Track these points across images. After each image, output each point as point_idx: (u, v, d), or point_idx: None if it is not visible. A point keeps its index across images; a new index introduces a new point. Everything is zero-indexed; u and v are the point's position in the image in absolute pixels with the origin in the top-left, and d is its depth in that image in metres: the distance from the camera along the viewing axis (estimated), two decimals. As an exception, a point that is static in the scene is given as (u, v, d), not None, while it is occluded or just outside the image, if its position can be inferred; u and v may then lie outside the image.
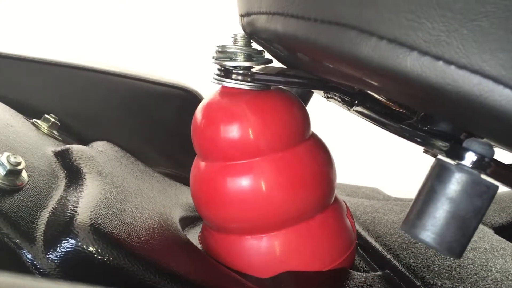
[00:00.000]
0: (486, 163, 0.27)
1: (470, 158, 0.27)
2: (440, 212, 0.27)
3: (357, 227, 0.56)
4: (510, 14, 0.20)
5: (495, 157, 0.27)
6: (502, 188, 0.38)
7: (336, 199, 0.45)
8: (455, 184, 0.26)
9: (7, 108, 0.51)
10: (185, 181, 0.60)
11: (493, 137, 0.26)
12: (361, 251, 0.52)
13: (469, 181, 0.26)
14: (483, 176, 0.27)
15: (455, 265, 0.48)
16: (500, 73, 0.21)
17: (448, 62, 0.22)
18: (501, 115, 0.21)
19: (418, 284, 0.44)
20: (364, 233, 0.54)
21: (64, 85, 0.61)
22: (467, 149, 0.27)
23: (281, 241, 0.41)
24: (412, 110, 0.38)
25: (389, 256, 0.48)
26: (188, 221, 0.52)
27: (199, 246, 0.46)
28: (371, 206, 0.63)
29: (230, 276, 0.40)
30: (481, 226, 0.62)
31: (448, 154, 0.28)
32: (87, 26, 1.18)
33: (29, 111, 0.56)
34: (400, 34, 0.23)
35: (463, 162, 0.27)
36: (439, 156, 0.29)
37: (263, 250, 0.41)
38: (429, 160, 0.30)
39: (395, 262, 0.47)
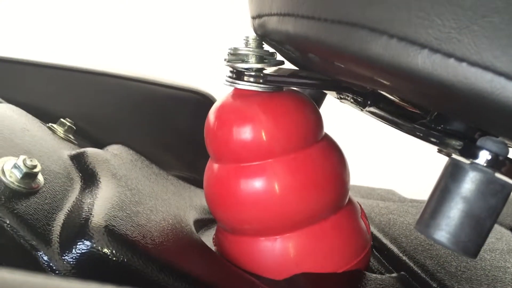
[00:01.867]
0: (500, 162, 0.26)
1: (484, 156, 0.26)
2: (454, 212, 0.26)
3: (372, 228, 0.55)
4: (522, 10, 0.20)
5: (510, 155, 0.27)
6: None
7: (350, 201, 0.45)
8: (469, 183, 0.26)
9: (24, 113, 0.52)
10: (199, 184, 0.60)
11: (507, 135, 0.26)
12: (376, 253, 0.51)
13: (483, 180, 0.26)
14: (498, 175, 0.26)
15: (472, 266, 0.47)
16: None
17: (460, 59, 0.22)
18: (514, 112, 0.21)
19: (434, 285, 0.43)
20: (379, 235, 0.53)
21: (79, 90, 0.62)
22: (481, 148, 0.26)
23: (295, 242, 0.41)
24: (425, 110, 0.37)
25: (404, 258, 0.48)
26: (202, 224, 0.52)
27: (213, 248, 0.46)
28: (386, 207, 0.63)
29: (245, 278, 0.40)
30: (498, 227, 0.61)
31: (462, 153, 0.28)
32: (101, 31, 1.19)
33: (46, 116, 0.56)
34: (410, 32, 0.23)
35: (477, 161, 0.26)
36: (453, 155, 0.29)
37: (277, 252, 0.41)
38: (445, 161, 0.29)
39: (411, 264, 0.47)
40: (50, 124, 0.54)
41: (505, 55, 0.20)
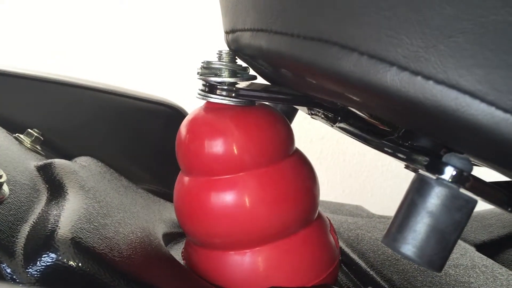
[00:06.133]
0: (465, 178, 0.27)
1: (449, 172, 0.27)
2: (420, 226, 0.27)
3: (341, 243, 0.56)
4: (486, 31, 0.20)
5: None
6: (484, 206, 0.38)
7: (320, 215, 0.45)
8: (434, 198, 0.27)
9: (-11, 122, 0.51)
10: (168, 198, 0.60)
11: (471, 152, 0.26)
12: (345, 268, 0.52)
13: (448, 195, 0.27)
14: (462, 190, 0.27)
15: (437, 281, 0.48)
16: (476, 88, 0.21)
17: (426, 77, 0.22)
18: (478, 129, 0.22)
19: (400, 300, 0.44)
20: (347, 250, 0.54)
21: (48, 100, 0.61)
22: (447, 164, 0.27)
23: (264, 256, 0.41)
24: (393, 126, 0.38)
25: (372, 273, 0.49)
26: (171, 237, 0.52)
27: (182, 262, 0.46)
28: (354, 223, 0.64)
29: (213, 292, 0.40)
30: (463, 244, 0.62)
31: (428, 169, 0.29)
32: (72, 41, 1.18)
33: (12, 126, 0.55)
34: (380, 49, 0.24)
35: (442, 177, 0.27)
36: (420, 171, 0.30)
37: (246, 266, 0.41)
38: (411, 177, 0.30)
39: (378, 279, 0.47)
40: (16, 134, 0.53)
41: (470, 74, 0.21)
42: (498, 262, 0.57)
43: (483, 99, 0.21)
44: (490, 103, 0.21)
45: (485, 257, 0.58)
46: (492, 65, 0.21)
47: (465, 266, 0.54)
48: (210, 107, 0.43)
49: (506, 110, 0.21)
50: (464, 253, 0.58)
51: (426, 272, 0.49)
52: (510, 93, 0.21)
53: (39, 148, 0.54)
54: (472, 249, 0.61)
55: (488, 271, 0.53)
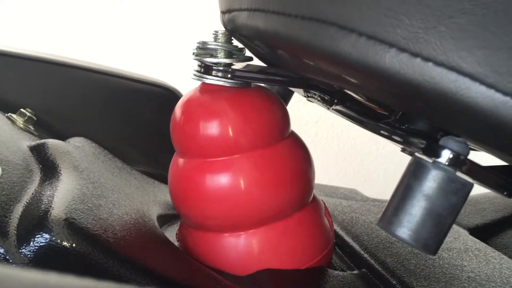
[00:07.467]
0: (461, 161, 0.27)
1: (446, 155, 0.27)
2: (416, 209, 0.27)
3: (335, 226, 0.56)
4: (487, 12, 0.20)
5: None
6: (478, 190, 0.38)
7: (315, 198, 0.45)
8: (431, 181, 0.27)
9: (-19, 101, 0.50)
10: (163, 179, 0.60)
11: (468, 135, 0.26)
12: (339, 250, 0.52)
13: (445, 178, 0.26)
14: (459, 174, 0.27)
15: (430, 264, 0.48)
16: (476, 70, 0.21)
17: (426, 59, 0.22)
18: (476, 112, 0.21)
19: (394, 282, 0.44)
20: (341, 233, 0.54)
21: (41, 80, 0.60)
22: (443, 147, 0.27)
23: (259, 239, 0.41)
24: (390, 109, 0.38)
25: (366, 255, 0.49)
26: (165, 219, 0.51)
27: (176, 244, 0.46)
28: (349, 206, 0.64)
29: (207, 273, 0.40)
30: (456, 227, 0.63)
31: (424, 152, 0.29)
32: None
33: (4, 106, 0.54)
34: (379, 30, 0.23)
35: (439, 160, 0.27)
36: (416, 154, 0.30)
37: (241, 248, 0.41)
38: (407, 162, 0.30)
39: (372, 261, 0.47)
40: (9, 114, 0.52)
41: (471, 56, 0.21)
42: (491, 246, 0.58)
43: (482, 82, 0.21)
44: (490, 86, 0.21)
45: (478, 240, 0.59)
46: (492, 47, 0.20)
47: (458, 250, 0.54)
48: (205, 88, 0.42)
49: (505, 93, 0.21)
50: (457, 237, 0.58)
51: (419, 255, 0.50)
52: (510, 75, 0.21)
53: (32, 128, 0.53)
54: (465, 232, 0.62)
55: (481, 254, 0.54)
